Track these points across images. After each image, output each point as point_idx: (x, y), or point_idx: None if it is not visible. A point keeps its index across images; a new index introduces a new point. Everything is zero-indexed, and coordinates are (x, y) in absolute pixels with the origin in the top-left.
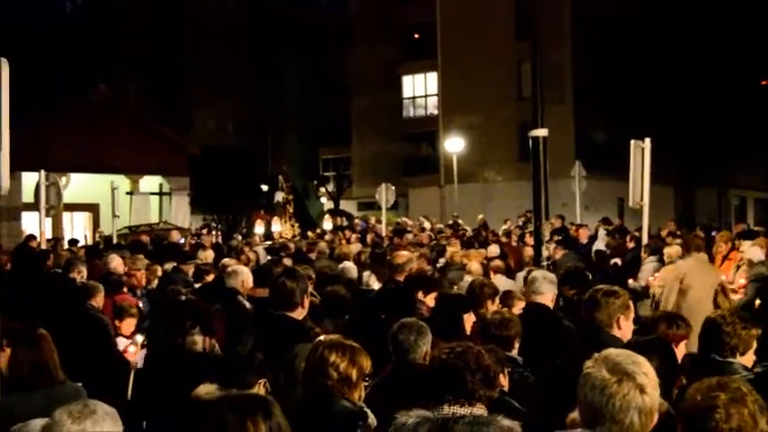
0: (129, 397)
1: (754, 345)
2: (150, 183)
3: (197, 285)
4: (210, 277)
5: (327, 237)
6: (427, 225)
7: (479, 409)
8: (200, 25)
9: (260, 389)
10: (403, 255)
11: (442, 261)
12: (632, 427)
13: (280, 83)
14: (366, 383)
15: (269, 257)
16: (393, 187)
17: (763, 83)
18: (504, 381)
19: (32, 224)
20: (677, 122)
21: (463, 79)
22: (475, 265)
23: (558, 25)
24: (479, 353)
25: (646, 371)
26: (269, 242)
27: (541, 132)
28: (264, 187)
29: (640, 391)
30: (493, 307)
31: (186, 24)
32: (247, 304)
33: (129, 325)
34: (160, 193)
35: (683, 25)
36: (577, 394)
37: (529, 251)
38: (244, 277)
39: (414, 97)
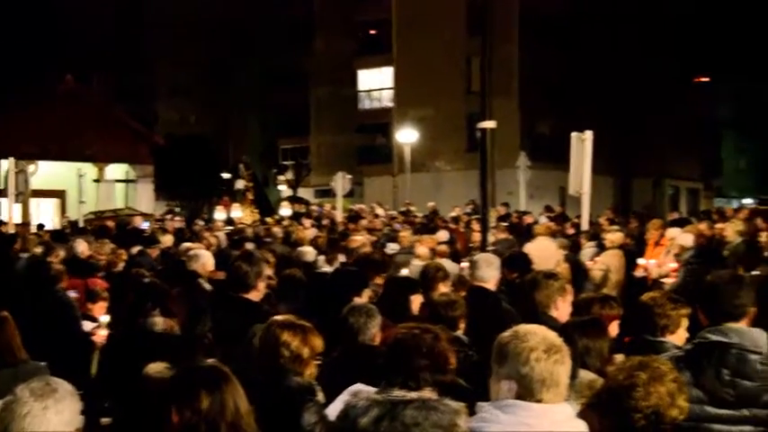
0: (93, 376)
1: (685, 323)
2: (116, 171)
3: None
4: None
5: (285, 223)
6: (380, 212)
7: (429, 392)
8: (164, 17)
9: None
10: (357, 240)
11: (394, 246)
12: (559, 394)
13: (242, 75)
14: (317, 362)
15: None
16: (349, 176)
17: (696, 80)
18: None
19: (1, 210)
20: (617, 115)
21: (416, 74)
22: (423, 249)
23: (506, 21)
24: (433, 336)
25: (565, 347)
26: (230, 227)
27: (489, 124)
28: (226, 175)
29: (565, 362)
30: (444, 289)
31: (150, 16)
32: (208, 287)
33: (100, 308)
34: (126, 181)
35: (624, 22)
36: (507, 366)
37: (476, 236)
38: (204, 261)
39: (369, 90)
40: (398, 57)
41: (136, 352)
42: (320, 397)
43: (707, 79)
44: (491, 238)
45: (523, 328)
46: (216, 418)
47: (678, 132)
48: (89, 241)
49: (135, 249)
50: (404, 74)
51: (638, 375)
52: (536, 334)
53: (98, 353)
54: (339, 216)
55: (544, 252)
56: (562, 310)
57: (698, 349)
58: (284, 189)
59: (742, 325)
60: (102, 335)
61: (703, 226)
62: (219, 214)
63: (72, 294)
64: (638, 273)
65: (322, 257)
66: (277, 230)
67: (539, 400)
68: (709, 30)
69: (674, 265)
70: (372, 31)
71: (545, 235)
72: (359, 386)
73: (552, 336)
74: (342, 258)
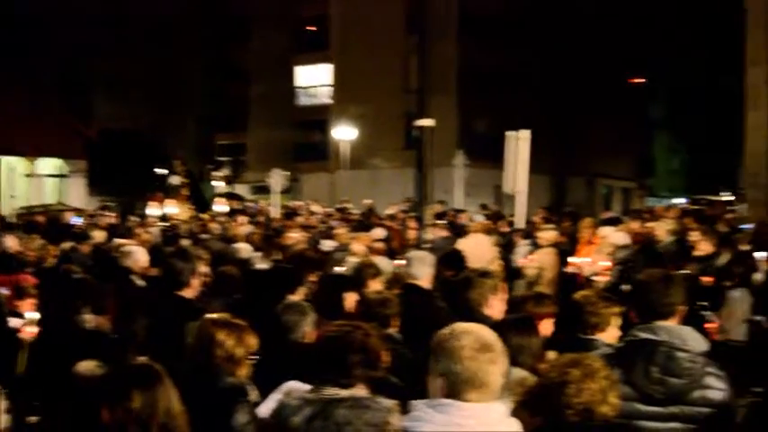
0: (22, 374)
1: (616, 322)
2: (48, 165)
3: None
4: None
5: (222, 219)
6: (317, 209)
7: (361, 390)
8: (102, 11)
9: None
10: (292, 236)
11: (330, 243)
12: (493, 393)
13: (179, 69)
14: (252, 360)
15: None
16: (285, 172)
17: (631, 81)
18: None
19: None
20: (553, 115)
21: (354, 70)
22: (359, 247)
23: (444, 19)
24: (365, 333)
25: (499, 342)
26: (164, 224)
27: (427, 122)
28: (161, 171)
29: (499, 361)
30: (375, 286)
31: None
32: (141, 283)
33: (29, 304)
34: (58, 176)
35: (561, 22)
36: (438, 366)
37: (412, 234)
38: (137, 257)
39: (307, 87)
40: (337, 54)
41: (66, 350)
42: (253, 396)
43: (642, 80)
44: (428, 236)
45: (460, 326)
46: (147, 418)
47: (612, 132)
48: (18, 237)
49: (66, 245)
50: (342, 71)
51: (570, 372)
52: (471, 333)
53: (26, 350)
54: (275, 213)
55: (478, 249)
56: (495, 307)
57: (628, 347)
58: (220, 185)
59: (671, 323)
60: (30, 332)
61: (635, 225)
62: (153, 210)
63: (1, 291)
64: (570, 270)
65: (257, 254)
66: (214, 227)
67: (467, 399)
68: (645, 31)
69: (607, 263)
70: (311, 28)
71: (479, 232)
72: (291, 384)
73: (487, 335)
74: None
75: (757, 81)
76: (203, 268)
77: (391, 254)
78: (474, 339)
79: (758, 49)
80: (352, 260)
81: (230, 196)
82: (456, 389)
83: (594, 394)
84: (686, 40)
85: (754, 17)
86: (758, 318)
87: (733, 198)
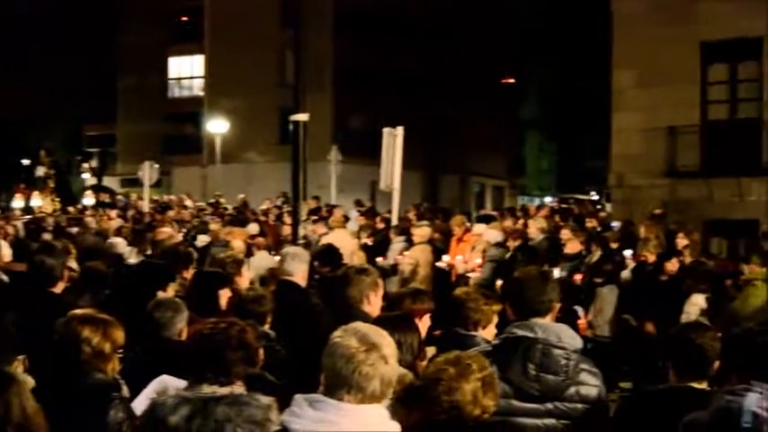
0: None
1: (495, 319)
2: None
3: None
4: None
5: (89, 212)
6: (189, 203)
7: (239, 388)
8: None
9: (19, 366)
10: (164, 231)
11: (205, 239)
12: (374, 395)
13: (47, 58)
14: (120, 355)
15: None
16: (156, 165)
17: (503, 81)
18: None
19: None
20: (428, 112)
21: (228, 63)
22: (237, 243)
23: (321, 14)
24: (242, 330)
25: (389, 343)
26: (28, 216)
27: (302, 117)
28: (25, 161)
29: (384, 362)
30: (245, 282)
31: None
32: (5, 278)
33: None
34: None
35: (439, 20)
36: (323, 363)
37: (286, 230)
38: (1, 251)
39: (180, 78)
40: (210, 45)
41: None
42: (125, 392)
43: (513, 81)
44: (301, 231)
45: (352, 325)
46: (2, 421)
47: (485, 131)
48: None
49: None
50: (216, 63)
51: (446, 370)
52: (358, 332)
53: None
54: (146, 207)
55: (340, 243)
56: (374, 304)
57: (505, 344)
58: (88, 177)
59: (547, 320)
60: None
61: (508, 222)
62: (17, 203)
63: None
64: (443, 266)
65: (128, 249)
66: (89, 220)
67: (341, 398)
68: (517, 32)
69: (480, 260)
70: (184, 19)
71: (340, 227)
72: (164, 379)
73: (375, 335)
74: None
75: (623, 84)
76: (71, 263)
77: (266, 250)
78: (358, 339)
79: (624, 52)
80: (224, 255)
81: (99, 189)
82: (333, 387)
83: (465, 394)
84: (556, 43)
85: (620, 20)
86: (625, 316)
87: (600, 197)
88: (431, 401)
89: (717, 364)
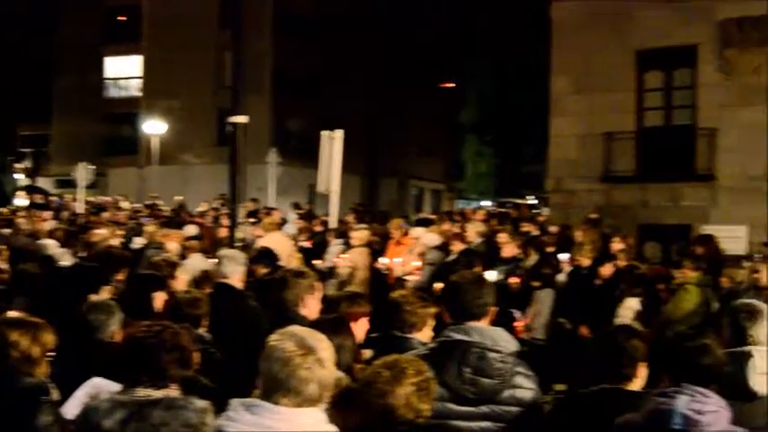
0: None
1: (432, 322)
2: None
3: None
4: None
5: (22, 213)
6: (125, 204)
7: (174, 391)
8: None
9: None
10: (98, 233)
11: (140, 240)
12: (311, 398)
13: None
14: (50, 359)
15: None
16: (92, 166)
17: (442, 84)
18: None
19: None
20: (366, 116)
21: (166, 64)
22: (172, 245)
23: (259, 15)
24: (177, 332)
25: (326, 346)
26: None
27: (241, 119)
28: None
29: (321, 365)
30: (180, 285)
31: None
32: None
33: None
34: None
35: (376, 24)
36: (260, 366)
37: (223, 232)
38: None
39: (116, 78)
40: (148, 46)
41: None
42: (55, 395)
43: (452, 85)
44: (239, 234)
45: (289, 329)
46: None
47: (424, 135)
48: None
49: None
50: (153, 64)
51: (380, 374)
52: (295, 336)
53: None
54: (80, 208)
55: (276, 246)
56: (311, 307)
57: (442, 347)
58: (22, 178)
59: (483, 324)
60: None
61: (446, 226)
62: None
63: None
64: (380, 269)
65: (61, 251)
66: (22, 222)
67: (279, 402)
68: (456, 36)
69: (418, 263)
70: (122, 18)
71: (274, 229)
72: (97, 381)
73: (312, 339)
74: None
75: (560, 89)
76: (2, 265)
77: (203, 252)
78: (296, 343)
79: (562, 58)
80: (158, 258)
81: (32, 189)
82: (270, 391)
83: (398, 398)
84: (495, 48)
85: (558, 27)
86: (561, 319)
87: (537, 201)
88: (365, 405)
89: (644, 365)
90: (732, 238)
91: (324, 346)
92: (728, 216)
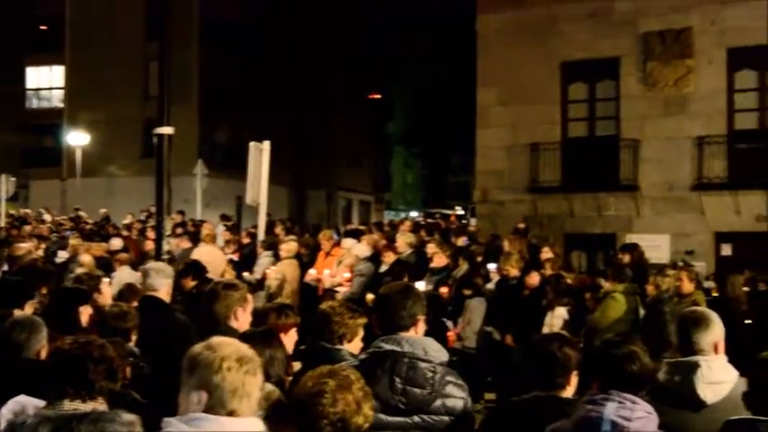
0: None
1: (361, 333)
2: None
3: None
4: None
5: None
6: (47, 217)
7: (101, 405)
8: None
9: None
10: (22, 247)
11: (64, 254)
12: (244, 408)
13: None
14: None
15: None
16: (13, 178)
17: (370, 96)
18: (126, 373)
19: None
20: (294, 127)
21: (90, 74)
22: (86, 258)
23: (186, 26)
24: (103, 345)
25: (253, 356)
26: None
27: (166, 130)
28: None
29: (252, 375)
30: (105, 299)
31: None
32: None
33: None
34: None
35: (304, 37)
36: (189, 378)
37: (150, 245)
38: None
39: (38, 89)
40: (71, 56)
41: None
42: None
43: (379, 96)
44: (165, 247)
45: (216, 339)
46: None
47: (352, 146)
48: None
49: None
50: (77, 74)
51: (326, 383)
52: (229, 345)
53: None
54: (1, 221)
55: (210, 258)
56: (242, 320)
57: (373, 358)
58: None
59: (413, 334)
60: None
61: (376, 237)
62: None
63: None
64: (311, 281)
65: None
66: None
67: (231, 411)
68: (384, 48)
69: (348, 275)
70: (43, 27)
71: (209, 242)
72: (21, 399)
73: (244, 347)
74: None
75: (487, 101)
76: None
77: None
78: (233, 351)
79: (488, 70)
80: (80, 271)
81: None
82: (217, 401)
83: (350, 404)
84: (422, 59)
85: (484, 39)
86: (489, 328)
87: (465, 212)
88: (315, 416)
89: (576, 374)
90: (655, 247)
91: (251, 355)
92: (651, 225)
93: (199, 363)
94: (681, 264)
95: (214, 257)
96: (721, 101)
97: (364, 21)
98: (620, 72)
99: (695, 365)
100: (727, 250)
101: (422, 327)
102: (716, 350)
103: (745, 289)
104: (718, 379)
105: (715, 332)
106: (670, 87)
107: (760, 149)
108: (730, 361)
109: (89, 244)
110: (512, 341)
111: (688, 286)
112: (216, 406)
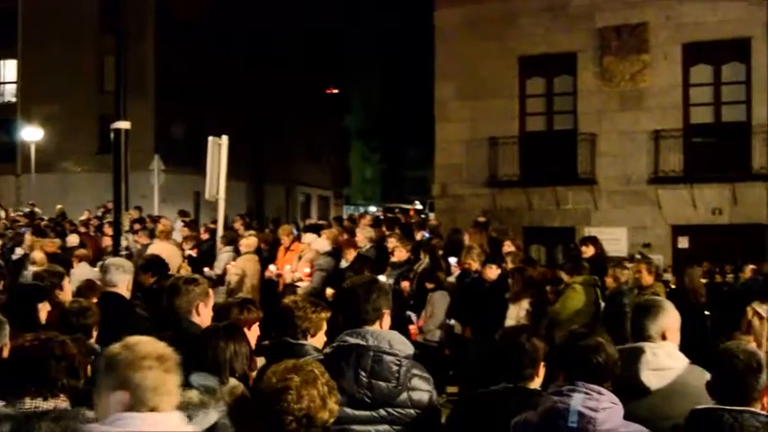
0: None
1: (324, 327)
2: None
3: None
4: None
5: None
6: (2, 214)
7: (63, 402)
8: None
9: None
10: None
11: (20, 250)
12: (168, 407)
13: None
14: None
15: None
16: None
17: (328, 91)
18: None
19: None
20: (252, 122)
21: (44, 69)
22: (38, 255)
23: (141, 20)
24: (64, 342)
25: (170, 353)
26: None
27: (123, 125)
28: None
29: (176, 372)
30: (66, 296)
31: None
32: None
33: None
34: None
35: (262, 31)
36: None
37: (107, 241)
38: None
39: None
40: (24, 50)
41: None
42: None
43: (336, 91)
44: (123, 243)
45: (133, 338)
46: None
47: (310, 141)
48: None
49: None
50: (30, 68)
51: (291, 378)
52: (147, 343)
53: None
54: None
55: (166, 254)
56: (204, 315)
57: (337, 352)
58: None
59: (378, 327)
60: None
61: (336, 231)
62: None
63: None
64: (270, 276)
65: None
66: None
67: (153, 408)
68: (341, 43)
69: (308, 269)
70: None
71: (166, 238)
72: None
73: (162, 345)
74: None
75: (445, 95)
76: None
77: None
78: (152, 350)
79: (446, 65)
80: (33, 269)
81: None
82: (138, 400)
83: (315, 400)
84: (380, 54)
85: (441, 33)
86: (451, 322)
87: (424, 207)
88: (280, 411)
89: (543, 365)
90: (613, 240)
91: (168, 352)
92: (609, 219)
93: (118, 362)
94: (638, 257)
95: (169, 253)
96: (677, 95)
97: (322, 15)
98: (578, 67)
99: (640, 351)
100: (684, 243)
101: (387, 320)
102: (664, 337)
103: (704, 281)
104: (662, 365)
105: (664, 320)
106: (626, 82)
107: (715, 143)
108: (689, 351)
109: (42, 240)
110: (470, 334)
111: (647, 278)
112: (137, 404)
